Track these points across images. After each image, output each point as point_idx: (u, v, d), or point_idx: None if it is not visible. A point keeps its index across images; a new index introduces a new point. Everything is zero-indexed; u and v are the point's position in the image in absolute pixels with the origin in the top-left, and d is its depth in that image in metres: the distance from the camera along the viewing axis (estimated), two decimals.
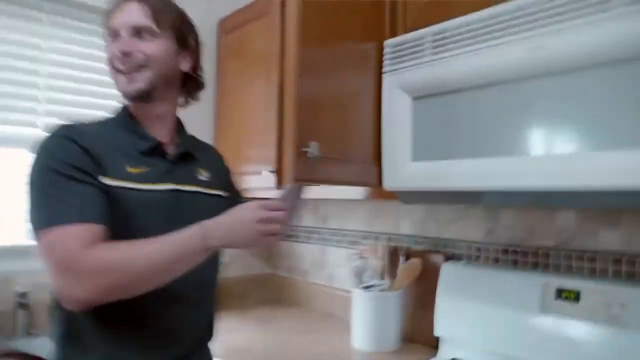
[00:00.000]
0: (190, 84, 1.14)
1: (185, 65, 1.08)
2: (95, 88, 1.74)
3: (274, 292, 2.20)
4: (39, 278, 1.52)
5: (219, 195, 1.13)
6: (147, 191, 0.97)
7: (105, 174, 0.92)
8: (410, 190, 1.23)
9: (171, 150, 1.06)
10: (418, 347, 1.50)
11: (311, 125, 1.28)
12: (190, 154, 1.10)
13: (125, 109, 1.06)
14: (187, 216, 0.99)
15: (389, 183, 1.24)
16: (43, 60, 1.64)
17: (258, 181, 1.75)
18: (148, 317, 0.94)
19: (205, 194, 1.09)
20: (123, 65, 0.98)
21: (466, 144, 1.09)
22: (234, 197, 1.22)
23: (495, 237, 1.44)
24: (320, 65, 1.36)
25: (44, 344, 1.44)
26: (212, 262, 1.12)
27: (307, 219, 2.07)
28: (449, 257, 1.53)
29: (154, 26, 1.00)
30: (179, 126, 1.13)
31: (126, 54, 0.97)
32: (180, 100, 1.14)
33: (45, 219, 0.85)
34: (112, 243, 0.86)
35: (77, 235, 0.83)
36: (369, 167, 1.33)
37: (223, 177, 1.20)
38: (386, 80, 1.24)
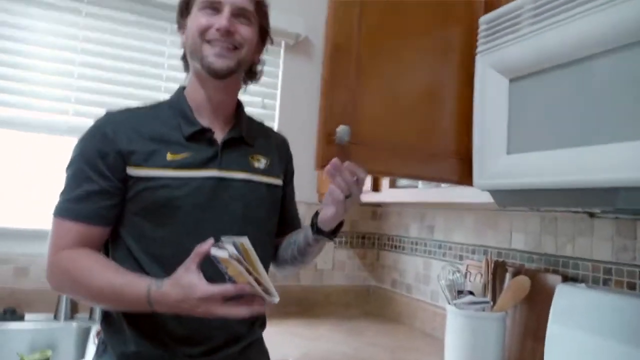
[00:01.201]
0: (251, 74, 1.13)
1: (256, 57, 1.10)
2: (130, 78, 1.83)
3: (375, 305, 2.08)
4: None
5: (275, 185, 1.09)
6: (186, 178, 0.96)
7: (138, 165, 0.95)
8: (506, 189, 1.03)
9: (221, 136, 1.03)
10: None
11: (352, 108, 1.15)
12: (243, 139, 1.06)
13: (181, 92, 1.06)
14: (232, 205, 1.00)
15: (480, 180, 1.06)
16: (78, 49, 1.76)
17: None
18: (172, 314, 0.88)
19: (258, 182, 1.05)
20: (222, 42, 0.98)
21: (577, 129, 0.87)
22: (287, 188, 1.18)
23: (629, 256, 1.14)
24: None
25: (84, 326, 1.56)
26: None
27: (412, 229, 1.92)
28: (567, 279, 1.26)
29: (254, 13, 1.03)
30: (238, 111, 1.10)
31: (229, 33, 0.98)
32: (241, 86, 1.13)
33: (56, 207, 0.95)
34: (83, 253, 0.92)
35: (66, 232, 0.93)
36: (450, 162, 1.16)
37: (283, 165, 1.15)
38: (479, 62, 1.07)
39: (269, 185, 1.07)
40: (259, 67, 1.13)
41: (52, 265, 0.93)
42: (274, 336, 1.53)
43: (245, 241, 0.78)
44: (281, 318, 1.80)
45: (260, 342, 1.12)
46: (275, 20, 1.62)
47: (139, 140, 0.96)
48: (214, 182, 0.98)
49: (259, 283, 0.80)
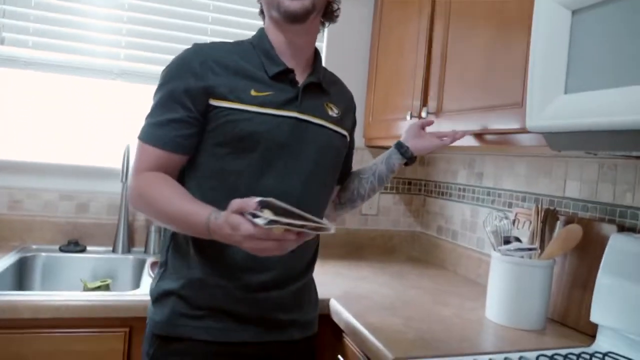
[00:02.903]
0: (328, 13, 1.12)
1: None
2: (176, 21, 1.82)
3: (420, 251, 2.08)
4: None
5: (343, 135, 1.14)
6: (268, 115, 1.00)
7: (223, 98, 0.98)
8: (562, 131, 0.97)
9: (301, 79, 1.06)
10: (568, 332, 1.22)
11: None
12: (321, 86, 1.09)
13: (263, 32, 1.08)
14: (307, 148, 1.04)
15: (534, 122, 1.00)
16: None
17: (402, 127, 1.63)
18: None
19: (331, 130, 1.10)
20: None
21: None
22: (350, 140, 1.22)
23: None
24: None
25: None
26: (318, 198, 1.10)
27: (460, 176, 1.87)
28: (624, 229, 1.19)
29: None
30: (315, 57, 1.12)
31: None
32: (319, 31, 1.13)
33: (140, 130, 1.02)
34: (159, 178, 0.97)
35: (147, 155, 0.99)
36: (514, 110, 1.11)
37: (351, 117, 1.21)
38: None
39: (338, 134, 1.12)
40: (335, 6, 1.12)
41: (131, 187, 0.99)
42: (318, 276, 1.56)
43: (267, 199, 0.78)
44: (326, 259, 1.84)
45: (312, 282, 1.18)
46: None
47: (225, 75, 0.99)
48: (293, 123, 1.02)
49: (307, 227, 0.80)
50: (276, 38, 1.06)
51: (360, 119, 2.00)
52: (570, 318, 1.25)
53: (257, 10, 1.14)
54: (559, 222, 1.29)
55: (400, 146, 1.26)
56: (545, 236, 1.27)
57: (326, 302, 1.32)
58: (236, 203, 0.81)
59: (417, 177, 2.14)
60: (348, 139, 1.18)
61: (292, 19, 1.00)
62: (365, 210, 2.06)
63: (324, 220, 0.82)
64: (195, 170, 1.02)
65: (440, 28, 1.45)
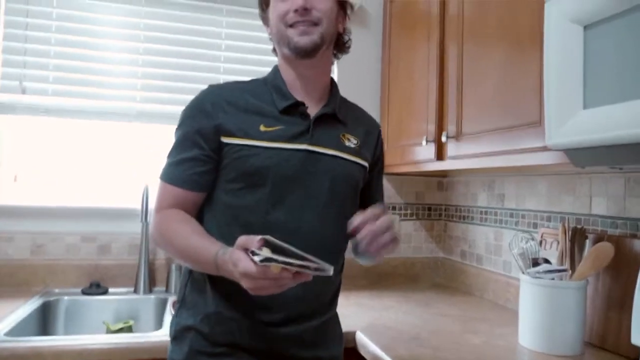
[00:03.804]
0: (339, 45, 1.12)
1: (340, 27, 1.09)
2: (189, 61, 1.87)
3: (444, 277, 2.03)
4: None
5: (362, 165, 1.11)
6: (277, 149, 1.00)
7: (232, 135, 1.00)
8: (584, 147, 0.95)
9: (314, 111, 1.05)
10: (608, 356, 1.16)
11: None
12: (336, 117, 1.08)
13: (277, 70, 1.10)
14: (320, 180, 1.02)
15: (553, 139, 0.98)
16: (141, 38, 1.82)
17: (419, 153, 1.63)
18: None
19: (347, 160, 1.07)
20: (302, 21, 1.00)
21: None
22: (373, 172, 1.17)
23: None
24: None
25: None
26: (335, 230, 1.05)
27: (481, 198, 1.84)
28: None
29: None
30: (331, 89, 1.11)
31: (306, 10, 0.99)
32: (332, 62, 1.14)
33: (162, 170, 1.05)
34: (176, 215, 1.00)
35: (165, 194, 1.02)
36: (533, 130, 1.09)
37: (372, 149, 1.16)
38: (549, 10, 0.98)
39: (357, 165, 1.09)
40: (345, 37, 1.13)
41: (152, 224, 1.03)
42: (340, 308, 1.53)
43: (268, 237, 0.78)
44: (348, 290, 1.80)
45: (336, 317, 1.14)
46: None
47: (235, 113, 1.02)
48: (303, 155, 1.01)
49: (305, 267, 0.78)
50: (288, 73, 1.07)
51: None
52: (609, 341, 1.20)
53: (270, 47, 1.16)
54: (587, 241, 1.25)
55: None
56: (575, 256, 1.23)
57: (352, 335, 1.28)
58: (242, 240, 0.81)
59: (436, 202, 2.11)
60: (368, 169, 1.14)
61: (303, 54, 1.01)
62: None
63: (323, 262, 0.79)
64: (211, 207, 1.03)
65: (454, 51, 1.45)
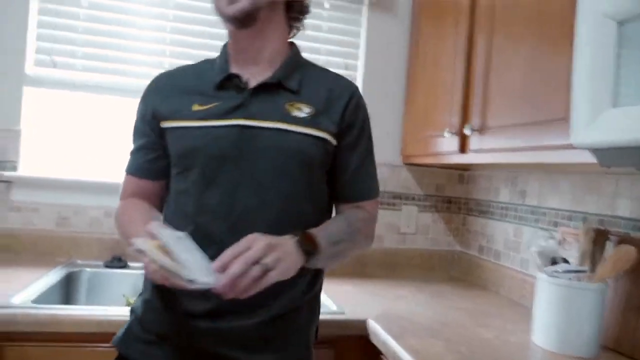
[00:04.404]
0: (294, 9, 1.03)
1: None
2: (217, 42, 1.85)
3: (460, 271, 2.01)
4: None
5: (319, 138, 0.96)
6: (209, 127, 0.94)
7: (166, 118, 0.99)
8: (611, 147, 0.93)
9: (255, 82, 0.96)
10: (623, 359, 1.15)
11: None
12: (281, 85, 0.97)
13: (224, 46, 1.04)
14: (260, 157, 0.92)
15: (580, 138, 0.96)
16: (169, 17, 1.81)
17: (441, 144, 1.61)
18: None
19: (295, 132, 0.94)
20: None
21: None
22: (343, 142, 1.00)
23: None
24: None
25: None
26: (282, 215, 0.94)
27: (502, 194, 1.81)
28: None
29: None
30: (289, 56, 1.01)
31: None
32: (286, 28, 1.04)
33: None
34: (130, 204, 1.03)
35: (125, 183, 1.07)
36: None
37: (338, 116, 0.99)
38: (583, 4, 0.95)
39: (310, 137, 0.95)
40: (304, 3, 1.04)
41: (116, 208, 1.05)
42: (355, 295, 1.55)
43: (158, 234, 0.78)
44: (363, 278, 1.81)
45: (299, 315, 0.99)
46: None
47: (173, 96, 1.00)
48: (237, 131, 0.93)
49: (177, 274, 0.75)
50: (231, 46, 1.01)
51: (398, 136, 1.99)
52: (625, 345, 1.18)
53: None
54: (610, 243, 1.23)
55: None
56: (596, 258, 1.21)
57: (363, 323, 1.29)
58: (147, 227, 0.80)
59: (457, 195, 2.09)
60: (332, 140, 0.98)
61: (236, 23, 0.94)
62: (403, 229, 2.03)
63: (203, 277, 0.74)
64: (167, 194, 1.04)
65: (482, 42, 1.42)
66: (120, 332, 1.01)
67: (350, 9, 1.95)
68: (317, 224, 0.95)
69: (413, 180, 2.04)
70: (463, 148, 1.50)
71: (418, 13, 1.93)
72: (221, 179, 0.93)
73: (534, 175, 1.65)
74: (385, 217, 2.01)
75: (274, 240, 0.81)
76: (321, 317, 1.27)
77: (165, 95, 1.01)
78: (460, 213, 2.09)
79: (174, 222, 0.94)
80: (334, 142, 0.99)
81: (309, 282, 1.00)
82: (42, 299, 1.29)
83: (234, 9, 0.91)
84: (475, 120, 1.43)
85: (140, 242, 0.76)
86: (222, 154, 0.93)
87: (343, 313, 1.33)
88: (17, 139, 1.71)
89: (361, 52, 1.98)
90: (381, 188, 1.96)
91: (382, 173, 1.96)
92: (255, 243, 0.79)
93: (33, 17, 1.73)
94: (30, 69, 1.73)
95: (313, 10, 1.86)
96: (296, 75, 0.99)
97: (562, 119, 1.07)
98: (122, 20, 1.78)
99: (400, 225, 2.02)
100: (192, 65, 1.07)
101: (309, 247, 0.87)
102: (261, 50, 0.99)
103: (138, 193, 1.04)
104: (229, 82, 0.97)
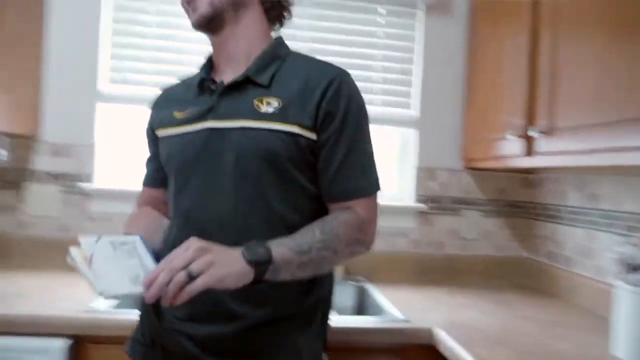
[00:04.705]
0: (271, 9, 1.00)
1: None
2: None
3: (527, 278, 1.94)
4: None
5: (285, 132, 0.88)
6: (184, 134, 0.96)
7: (157, 128, 1.04)
8: None
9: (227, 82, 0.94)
10: None
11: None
12: (250, 80, 0.92)
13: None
14: (225, 159, 0.89)
15: None
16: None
17: (505, 148, 1.56)
18: None
19: (258, 129, 0.88)
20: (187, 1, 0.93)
21: None
22: (323, 135, 0.90)
23: None
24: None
25: None
26: (251, 217, 0.89)
27: (571, 197, 1.73)
28: None
29: None
30: (264, 51, 0.96)
31: None
32: (266, 26, 1.01)
33: None
34: (139, 211, 1.06)
35: (140, 193, 1.13)
36: None
37: (313, 106, 0.89)
38: None
39: (277, 132, 0.88)
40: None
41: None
42: (417, 302, 1.53)
43: (82, 240, 0.80)
44: (424, 285, 1.79)
45: (283, 326, 0.92)
46: None
47: (164, 107, 1.04)
48: (206, 134, 0.91)
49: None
50: (213, 51, 1.02)
51: (458, 139, 1.95)
52: None
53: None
54: None
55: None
56: None
57: (429, 331, 1.27)
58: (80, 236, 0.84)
59: (521, 198, 2.01)
60: (305, 134, 0.89)
61: (204, 30, 0.95)
62: (465, 234, 1.98)
63: (101, 283, 0.74)
64: None
65: (547, 39, 1.37)
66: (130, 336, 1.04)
67: (405, 13, 1.94)
68: (298, 226, 0.89)
69: (474, 184, 1.99)
70: (529, 151, 1.44)
71: (475, 15, 1.89)
72: (192, 184, 0.92)
73: (606, 177, 1.56)
74: (445, 223, 1.97)
75: (209, 245, 0.76)
76: (385, 325, 1.27)
77: (159, 106, 1.07)
78: (526, 218, 2.01)
79: (171, 227, 0.98)
80: (308, 135, 0.89)
81: (302, 291, 0.93)
82: (122, 304, 1.36)
83: (195, 16, 0.93)
84: (541, 121, 1.37)
85: (73, 251, 0.79)
86: (193, 158, 0.92)
87: (408, 321, 1.31)
88: (92, 153, 1.83)
89: (417, 56, 1.96)
90: (441, 193, 1.96)
91: (442, 178, 1.95)
92: (186, 249, 0.74)
93: (105, 38, 1.84)
94: (103, 86, 1.84)
95: (367, 16, 1.90)
96: (270, 69, 0.93)
97: (639, 119, 1.01)
98: (188, 37, 1.85)
99: (461, 230, 1.97)
100: (189, 75, 1.08)
101: (256, 257, 0.78)
102: (236, 51, 0.96)
103: (149, 201, 1.10)
104: (203, 86, 0.98)
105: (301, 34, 1.89)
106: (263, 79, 0.92)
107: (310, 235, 0.86)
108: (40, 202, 1.81)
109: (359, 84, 0.98)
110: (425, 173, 1.96)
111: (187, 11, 0.95)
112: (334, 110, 0.90)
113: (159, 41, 1.84)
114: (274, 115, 0.88)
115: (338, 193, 0.93)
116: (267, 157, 0.88)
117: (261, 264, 0.78)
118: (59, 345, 1.17)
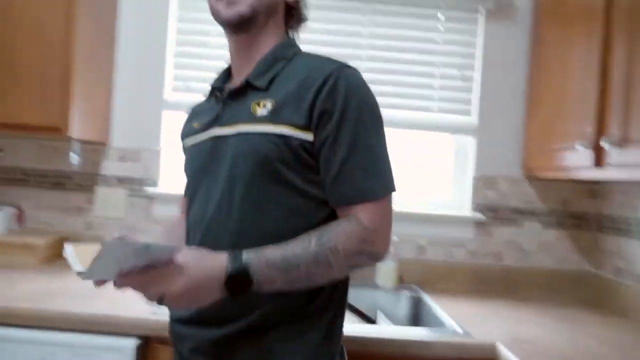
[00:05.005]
0: (294, 15, 0.99)
1: None
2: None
3: (591, 294, 1.85)
4: None
5: (276, 135, 0.84)
6: (197, 144, 0.97)
7: (183, 139, 1.05)
8: None
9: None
10: None
11: None
12: (250, 85, 0.91)
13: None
14: (223, 164, 0.89)
15: None
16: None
17: (571, 158, 1.50)
18: None
19: (249, 133, 0.86)
20: None
21: None
22: (320, 135, 0.85)
23: None
24: None
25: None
26: (240, 223, 0.87)
27: None
28: None
29: None
30: (267, 53, 0.93)
31: None
32: (281, 34, 0.98)
33: None
34: (177, 218, 1.08)
35: (181, 204, 1.10)
36: None
37: (306, 105, 0.84)
38: None
39: (268, 135, 0.84)
40: (298, 7, 1.00)
41: None
42: (476, 316, 1.49)
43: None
44: (481, 296, 1.75)
45: (269, 332, 0.87)
46: None
47: (190, 119, 1.05)
48: (211, 143, 0.92)
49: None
50: (231, 53, 0.97)
51: (518, 147, 1.90)
52: None
53: None
54: None
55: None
56: None
57: (492, 347, 1.24)
58: None
59: (586, 210, 1.92)
60: (299, 134, 0.84)
61: (232, 28, 0.91)
62: (525, 246, 1.91)
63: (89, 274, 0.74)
64: None
65: (621, 46, 1.31)
66: None
67: (466, 19, 1.91)
68: (300, 230, 0.85)
69: (535, 194, 1.92)
70: (599, 162, 1.38)
71: (540, 20, 1.83)
72: (199, 191, 0.94)
73: None
74: (504, 234, 1.91)
75: (188, 285, 0.76)
76: (445, 339, 1.25)
77: (187, 119, 1.07)
78: (591, 230, 1.92)
79: (187, 237, 1.00)
80: (302, 135, 0.84)
81: (304, 294, 0.87)
82: None
83: (232, 12, 0.88)
84: (613, 131, 1.31)
85: (67, 246, 0.81)
86: (201, 167, 0.94)
87: (470, 336, 1.29)
88: (157, 159, 1.91)
89: (478, 62, 1.92)
90: (500, 202, 1.90)
91: (501, 187, 1.90)
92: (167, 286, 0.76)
93: (171, 49, 1.92)
94: (168, 94, 1.92)
95: (426, 22, 1.88)
96: (271, 72, 0.91)
97: None
98: None
99: (521, 241, 1.91)
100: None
101: (236, 287, 0.77)
102: (254, 56, 0.94)
103: (185, 210, 1.11)
104: (215, 94, 0.99)
105: (360, 41, 1.89)
106: (262, 82, 0.90)
107: (304, 247, 0.81)
108: (108, 205, 1.91)
109: (416, 91, 0.95)
110: (483, 182, 1.92)
111: (216, 3, 0.91)
112: (330, 108, 0.84)
113: (220, 50, 1.90)
114: (265, 117, 0.85)
115: (339, 197, 0.86)
116: (259, 160, 0.85)
117: (241, 291, 0.78)
118: (129, 344, 1.23)
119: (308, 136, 0.84)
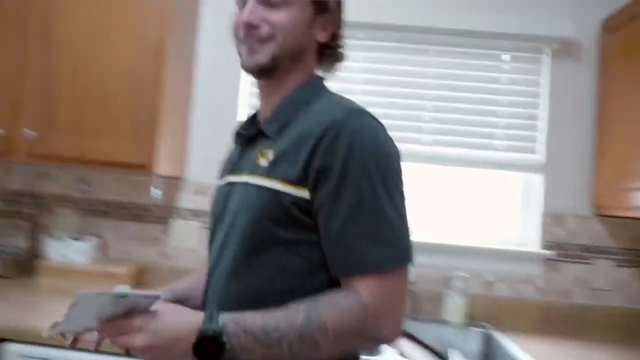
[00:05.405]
0: (328, 55, 0.93)
1: (322, 35, 0.89)
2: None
3: None
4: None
5: (270, 190, 0.78)
6: (219, 188, 0.95)
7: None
8: None
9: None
10: None
11: None
12: (262, 133, 0.87)
13: None
14: (227, 215, 0.86)
15: None
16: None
17: None
18: None
19: (250, 185, 0.82)
20: (246, 38, 0.85)
21: None
22: (318, 193, 0.76)
23: None
24: None
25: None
26: (231, 279, 0.83)
27: None
28: None
29: None
30: (286, 97, 0.88)
31: (252, 27, 0.83)
32: (313, 72, 0.93)
33: None
34: (199, 270, 1.03)
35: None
36: None
37: (304, 159, 0.77)
38: None
39: (262, 189, 0.79)
40: (334, 47, 0.93)
41: None
42: (550, 356, 1.47)
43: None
44: (550, 334, 1.73)
45: None
46: (536, 24, 1.54)
47: (224, 163, 1.01)
48: (226, 189, 0.90)
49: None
50: (259, 95, 0.94)
51: (587, 185, 1.90)
52: None
53: None
54: None
55: None
56: None
57: None
58: None
59: None
60: (291, 191, 0.77)
61: (252, 74, 0.88)
62: (595, 284, 1.89)
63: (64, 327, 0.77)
64: None
65: None
66: None
67: (530, 59, 1.94)
68: (284, 295, 0.77)
69: (605, 231, 1.90)
70: None
71: (607, 58, 1.85)
72: (215, 238, 0.91)
73: None
74: (573, 271, 1.89)
75: (159, 338, 0.71)
76: None
77: (223, 162, 1.03)
78: None
79: None
80: (295, 192, 0.77)
81: None
82: None
83: (252, 61, 0.85)
84: None
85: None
86: (216, 212, 0.91)
87: None
88: None
89: (543, 101, 1.94)
90: (568, 240, 1.89)
91: (569, 224, 1.89)
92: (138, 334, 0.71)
93: (244, 88, 2.03)
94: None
95: (491, 63, 1.92)
96: (283, 118, 0.85)
97: None
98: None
99: (590, 279, 1.89)
100: None
101: (207, 335, 0.70)
102: (277, 100, 0.89)
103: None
104: (235, 139, 0.97)
105: (427, 82, 1.96)
106: (270, 129, 0.85)
107: (290, 319, 0.72)
108: (183, 236, 2.00)
109: (480, 130, 0.85)
110: (551, 219, 1.91)
111: (239, 44, 0.87)
112: (329, 163, 0.75)
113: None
114: (265, 169, 0.80)
115: (337, 267, 0.77)
116: (253, 214, 0.79)
117: (210, 356, 0.70)
118: None
119: (302, 193, 0.77)
